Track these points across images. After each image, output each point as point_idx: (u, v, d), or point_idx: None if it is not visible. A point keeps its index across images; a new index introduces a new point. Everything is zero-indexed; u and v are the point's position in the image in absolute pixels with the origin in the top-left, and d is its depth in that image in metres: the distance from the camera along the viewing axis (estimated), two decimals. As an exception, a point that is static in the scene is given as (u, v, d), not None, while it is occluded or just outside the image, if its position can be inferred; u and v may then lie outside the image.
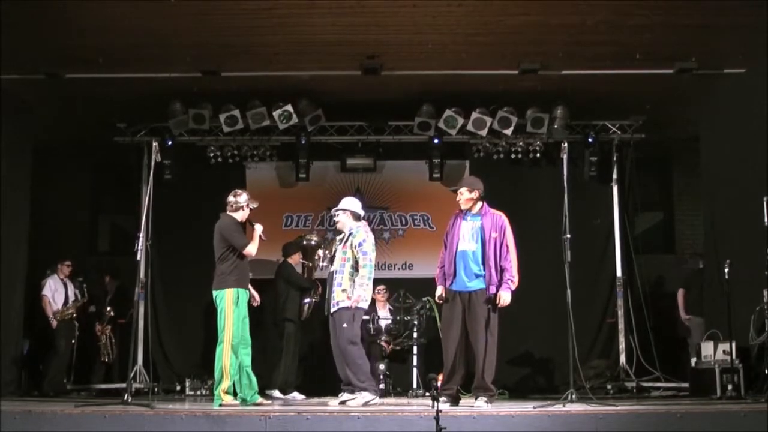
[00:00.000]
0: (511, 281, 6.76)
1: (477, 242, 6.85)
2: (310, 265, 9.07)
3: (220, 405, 6.79)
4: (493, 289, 6.73)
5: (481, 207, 7.00)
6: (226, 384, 6.94)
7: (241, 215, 7.26)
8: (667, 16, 7.91)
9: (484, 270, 6.79)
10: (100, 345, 10.28)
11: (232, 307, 6.99)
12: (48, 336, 9.73)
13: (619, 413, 5.76)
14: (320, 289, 8.97)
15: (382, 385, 9.01)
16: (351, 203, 7.34)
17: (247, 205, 7.26)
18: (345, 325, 6.97)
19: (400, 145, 10.72)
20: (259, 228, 7.22)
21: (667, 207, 12.55)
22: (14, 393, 8.80)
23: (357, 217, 7.30)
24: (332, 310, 7.08)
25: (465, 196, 7.00)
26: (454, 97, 9.93)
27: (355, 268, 7.04)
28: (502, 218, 6.95)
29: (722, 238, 9.20)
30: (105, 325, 10.31)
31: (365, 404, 6.67)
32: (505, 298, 6.72)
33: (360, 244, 7.06)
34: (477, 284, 6.78)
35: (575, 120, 10.34)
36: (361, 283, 7.00)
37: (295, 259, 9.18)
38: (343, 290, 7.01)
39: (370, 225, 10.48)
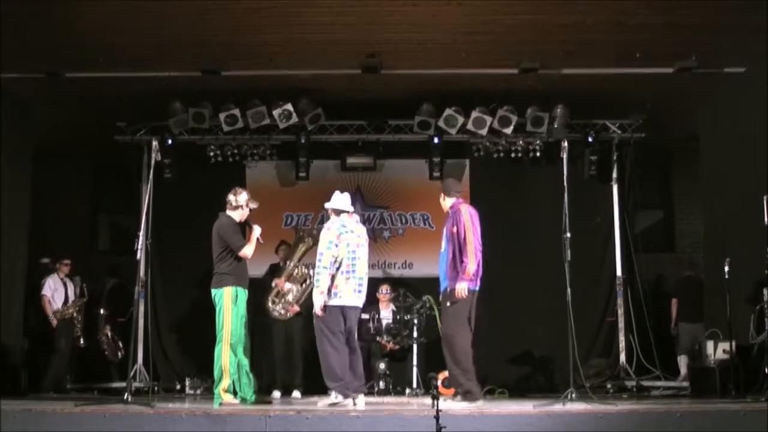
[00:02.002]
0: (463, 271, 6.64)
1: (444, 241, 6.86)
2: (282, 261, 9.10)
3: (220, 404, 6.80)
4: (453, 284, 6.73)
5: (451, 204, 7.00)
6: (225, 383, 6.94)
7: (239, 214, 7.25)
8: (667, 15, 7.91)
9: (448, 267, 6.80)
10: (102, 345, 10.31)
11: (230, 306, 6.99)
12: (48, 335, 9.73)
13: (619, 412, 5.76)
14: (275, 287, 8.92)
15: (382, 384, 9.00)
16: (333, 199, 7.24)
17: (247, 205, 7.26)
18: (315, 322, 6.98)
19: (400, 144, 10.71)
20: (257, 230, 7.20)
21: (667, 206, 12.56)
22: (14, 392, 8.79)
23: (338, 212, 7.17)
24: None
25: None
26: (454, 96, 9.92)
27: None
28: (459, 208, 6.87)
29: (722, 237, 9.21)
30: (104, 325, 10.33)
31: (331, 405, 6.59)
32: (458, 288, 6.64)
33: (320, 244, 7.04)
34: (445, 284, 6.83)
35: (575, 119, 10.33)
36: (315, 287, 6.94)
37: (279, 256, 9.20)
38: (317, 287, 6.97)
39: (369, 224, 10.61)
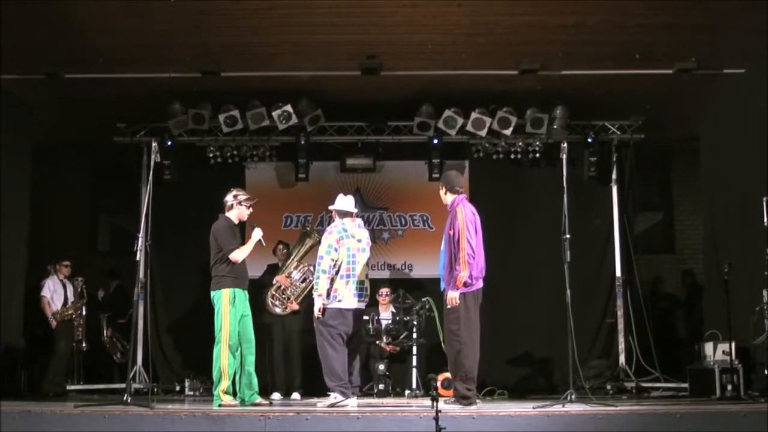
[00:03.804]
0: (455, 280, 6.49)
1: (444, 241, 6.81)
2: (281, 261, 9.09)
3: (220, 405, 6.80)
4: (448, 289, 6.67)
5: (451, 202, 6.84)
6: (224, 384, 6.94)
7: (236, 214, 7.21)
8: (667, 16, 7.91)
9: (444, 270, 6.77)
10: (105, 347, 10.33)
11: (228, 307, 6.98)
12: (47, 336, 9.73)
13: (618, 413, 5.76)
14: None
15: (381, 385, 8.99)
16: (337, 202, 7.27)
17: (239, 203, 7.21)
18: (315, 324, 7.01)
19: (399, 145, 10.71)
20: (257, 233, 7.14)
21: (667, 207, 12.56)
22: (14, 393, 8.79)
23: (342, 215, 7.19)
24: None
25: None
26: (453, 97, 9.92)
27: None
28: (456, 210, 6.68)
29: (722, 238, 9.20)
30: (106, 326, 10.35)
31: (331, 405, 6.60)
32: (450, 296, 6.53)
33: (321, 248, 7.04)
34: (443, 285, 6.79)
35: (575, 120, 10.33)
36: (314, 290, 7.01)
37: (277, 256, 9.18)
38: (315, 290, 7.01)
39: (369, 225, 10.61)
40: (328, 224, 10.29)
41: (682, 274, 11.66)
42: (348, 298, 6.97)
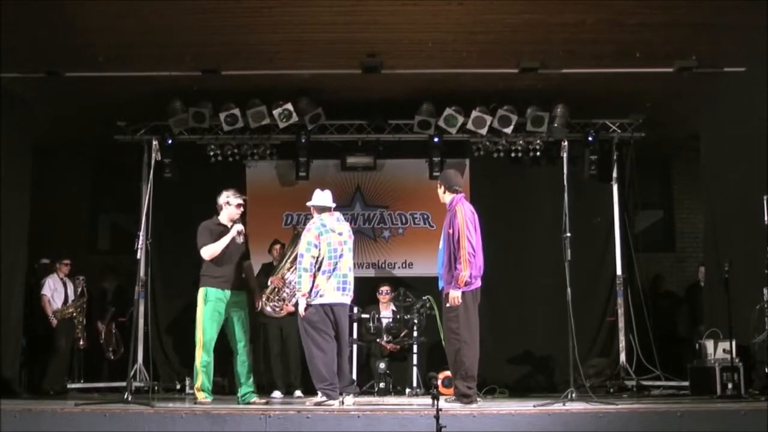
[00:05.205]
0: (457, 279, 6.53)
1: (442, 240, 6.80)
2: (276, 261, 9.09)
3: (195, 402, 6.93)
4: (448, 288, 6.67)
5: (450, 201, 6.86)
6: (198, 382, 7.02)
7: (227, 214, 7.25)
8: (667, 14, 7.91)
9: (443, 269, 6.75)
10: (102, 343, 10.33)
11: (201, 306, 7.04)
12: (48, 335, 9.73)
13: (619, 412, 5.77)
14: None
15: (382, 384, 9.00)
16: (314, 197, 7.17)
17: (227, 203, 7.24)
18: (299, 323, 6.97)
19: (400, 143, 10.71)
20: (234, 228, 7.17)
21: (667, 205, 12.56)
22: (14, 392, 8.79)
23: (319, 210, 7.10)
24: None
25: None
26: (454, 96, 9.92)
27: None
28: (455, 209, 6.71)
29: (722, 236, 9.20)
30: (108, 323, 10.38)
31: (317, 404, 6.54)
32: (452, 296, 6.57)
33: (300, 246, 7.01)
34: (442, 284, 6.78)
35: (575, 118, 10.33)
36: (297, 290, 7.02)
37: (273, 255, 9.20)
38: (298, 290, 6.99)
39: (369, 224, 10.63)
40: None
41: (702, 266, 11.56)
42: (331, 293, 6.86)
